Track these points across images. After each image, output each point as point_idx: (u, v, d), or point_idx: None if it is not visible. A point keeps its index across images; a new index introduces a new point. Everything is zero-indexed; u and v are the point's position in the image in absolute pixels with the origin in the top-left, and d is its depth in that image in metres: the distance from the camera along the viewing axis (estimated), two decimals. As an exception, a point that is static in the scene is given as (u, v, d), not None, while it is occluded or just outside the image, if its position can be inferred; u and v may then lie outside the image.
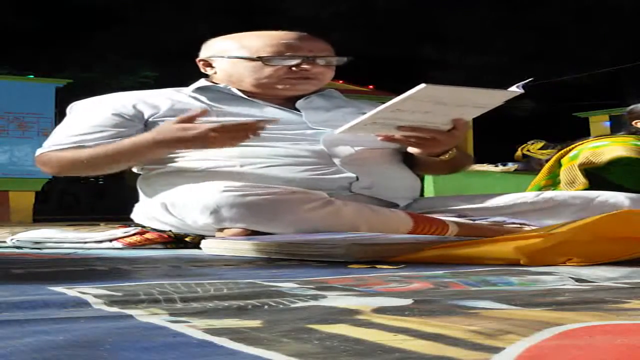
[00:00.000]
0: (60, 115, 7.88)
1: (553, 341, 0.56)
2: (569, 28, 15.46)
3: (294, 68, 2.10)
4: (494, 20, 15.48)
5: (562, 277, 1.04)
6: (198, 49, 2.23)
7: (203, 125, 1.87)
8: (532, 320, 0.65)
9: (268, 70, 2.09)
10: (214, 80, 2.18)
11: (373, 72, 12.13)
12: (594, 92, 13.83)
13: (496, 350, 0.53)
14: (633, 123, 3.06)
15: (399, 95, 1.78)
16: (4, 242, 1.91)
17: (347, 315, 0.69)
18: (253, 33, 2.16)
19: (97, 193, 13.45)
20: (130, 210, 2.10)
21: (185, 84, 2.23)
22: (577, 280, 1.01)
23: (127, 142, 1.95)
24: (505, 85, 1.89)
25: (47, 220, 6.90)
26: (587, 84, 14.69)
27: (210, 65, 2.18)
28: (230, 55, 2.13)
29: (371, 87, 11.25)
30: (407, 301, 0.79)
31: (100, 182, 13.38)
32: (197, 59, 2.20)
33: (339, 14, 14.61)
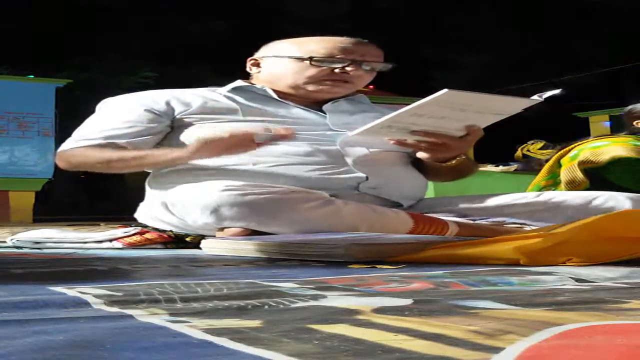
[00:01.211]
0: (60, 115, 7.89)
1: (553, 341, 0.56)
2: (569, 28, 15.46)
3: (336, 70, 2.10)
4: (494, 20, 15.48)
5: (562, 277, 1.04)
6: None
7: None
8: (532, 320, 0.65)
9: (311, 71, 2.10)
10: (252, 81, 2.19)
11: (373, 72, 12.10)
12: (594, 92, 13.82)
13: (496, 350, 0.53)
14: (634, 123, 3.07)
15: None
16: (4, 242, 1.91)
17: (347, 315, 0.69)
18: (314, 38, 2.17)
19: (97, 193, 13.44)
20: (131, 210, 2.10)
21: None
22: (577, 280, 1.01)
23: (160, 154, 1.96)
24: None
25: (47, 220, 6.89)
26: (587, 84, 14.69)
27: (258, 65, 2.19)
28: (283, 54, 2.14)
29: (371, 87, 11.24)
30: (407, 301, 0.79)
31: (101, 181, 13.35)
32: (249, 58, 2.21)
33: (340, 15, 14.61)
